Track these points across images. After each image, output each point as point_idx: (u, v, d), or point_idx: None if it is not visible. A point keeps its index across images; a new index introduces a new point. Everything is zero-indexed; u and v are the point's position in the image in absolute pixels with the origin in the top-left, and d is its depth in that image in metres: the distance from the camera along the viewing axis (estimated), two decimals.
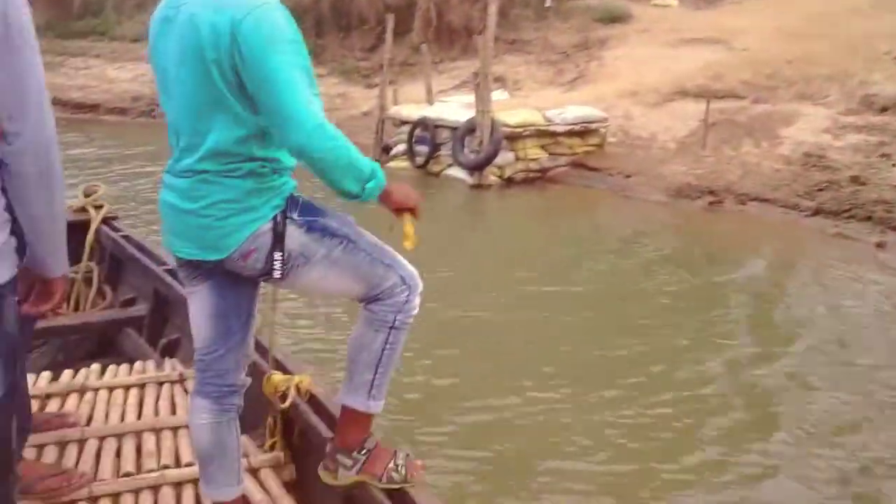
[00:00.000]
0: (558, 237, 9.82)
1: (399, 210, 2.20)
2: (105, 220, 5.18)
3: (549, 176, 12.72)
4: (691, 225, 10.27)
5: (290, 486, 2.77)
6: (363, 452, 2.36)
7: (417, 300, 2.27)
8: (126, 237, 4.97)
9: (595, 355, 5.90)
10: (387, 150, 14.23)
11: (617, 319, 6.78)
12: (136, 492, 2.67)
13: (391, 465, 2.36)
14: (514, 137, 12.37)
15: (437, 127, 13.00)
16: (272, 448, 2.93)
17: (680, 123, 13.24)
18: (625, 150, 12.98)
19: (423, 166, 13.17)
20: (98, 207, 5.25)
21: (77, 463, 2.86)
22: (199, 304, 2.23)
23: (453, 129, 12.74)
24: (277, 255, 2.08)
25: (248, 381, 2.40)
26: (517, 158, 12.54)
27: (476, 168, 12.09)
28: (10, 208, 1.82)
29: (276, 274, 2.10)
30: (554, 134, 12.67)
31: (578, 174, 12.63)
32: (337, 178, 1.98)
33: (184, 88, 2.02)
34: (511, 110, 12.88)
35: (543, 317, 6.69)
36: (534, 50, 18.53)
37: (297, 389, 2.89)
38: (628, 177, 12.05)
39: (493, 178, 12.29)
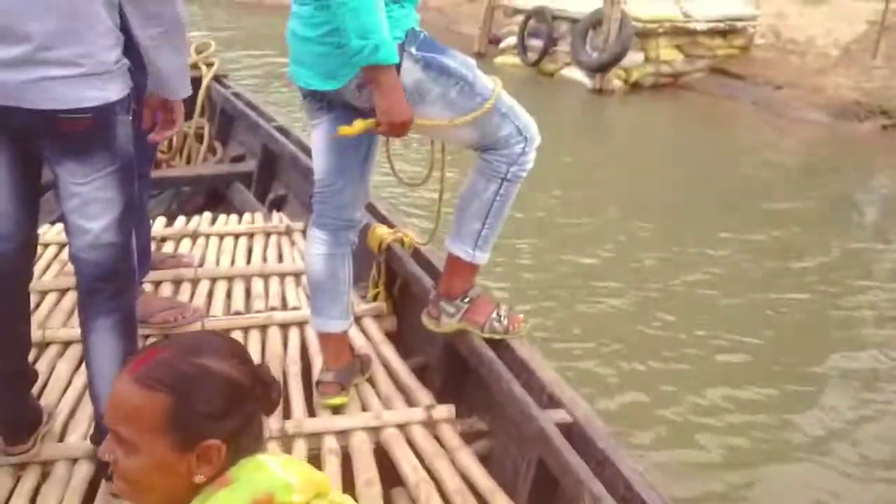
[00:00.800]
0: (690, 162, 7.96)
1: (380, 119, 1.99)
2: (216, 78, 5.25)
3: (683, 82, 10.87)
4: (859, 154, 8.36)
5: (390, 336, 2.82)
6: (466, 301, 2.37)
7: (533, 154, 2.20)
8: (236, 94, 5.04)
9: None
10: (495, 42, 12.64)
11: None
12: (246, 330, 2.78)
13: (493, 315, 2.36)
14: (645, 35, 10.60)
15: (555, 19, 11.34)
16: (375, 299, 2.99)
17: (844, 26, 10.96)
18: (775, 56, 10.95)
19: (535, 64, 11.57)
20: (209, 65, 5.32)
21: (191, 300, 2.99)
22: (320, 137, 2.22)
23: (574, 21, 11.08)
24: None
25: (364, 219, 2.41)
26: (647, 60, 10.77)
27: (599, 70, 10.43)
28: (123, 30, 1.86)
29: None
30: (692, 32, 10.84)
31: (718, 82, 10.71)
32: (345, 21, 1.86)
33: None
34: (642, 2, 10.93)
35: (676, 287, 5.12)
36: None
37: (401, 242, 2.93)
38: (778, 88, 10.06)
39: (616, 83, 10.60)
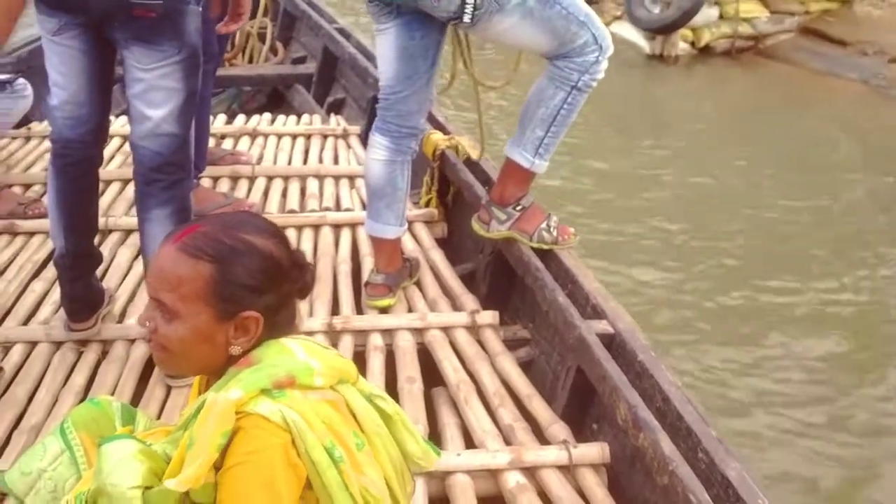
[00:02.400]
0: (786, 170, 5.51)
1: None
2: None
3: (767, 47, 8.11)
4: None
5: (440, 242, 2.85)
6: (518, 208, 2.37)
7: (605, 63, 2.17)
8: None
9: None
10: None
11: None
12: (300, 228, 2.84)
13: (543, 225, 2.36)
14: None
15: None
16: (427, 204, 3.01)
17: None
18: (887, 14, 8.28)
19: None
20: None
21: (248, 196, 3.06)
22: (387, 43, 2.20)
23: None
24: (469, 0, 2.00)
25: (427, 127, 2.40)
26: (721, 17, 8.06)
27: (661, 31, 7.81)
28: None
29: (466, 18, 2.03)
30: None
31: (811, 47, 7.95)
32: None
33: None
34: None
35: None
36: None
37: (456, 150, 2.92)
38: (893, 61, 7.42)
39: (682, 47, 8.00)
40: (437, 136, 2.98)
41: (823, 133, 6.30)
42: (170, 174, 2.00)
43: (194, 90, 1.98)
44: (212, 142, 3.47)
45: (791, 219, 4.79)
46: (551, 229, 2.37)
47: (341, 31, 4.35)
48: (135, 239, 2.65)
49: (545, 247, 2.37)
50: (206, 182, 3.06)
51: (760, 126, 6.37)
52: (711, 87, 7.57)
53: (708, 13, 7.86)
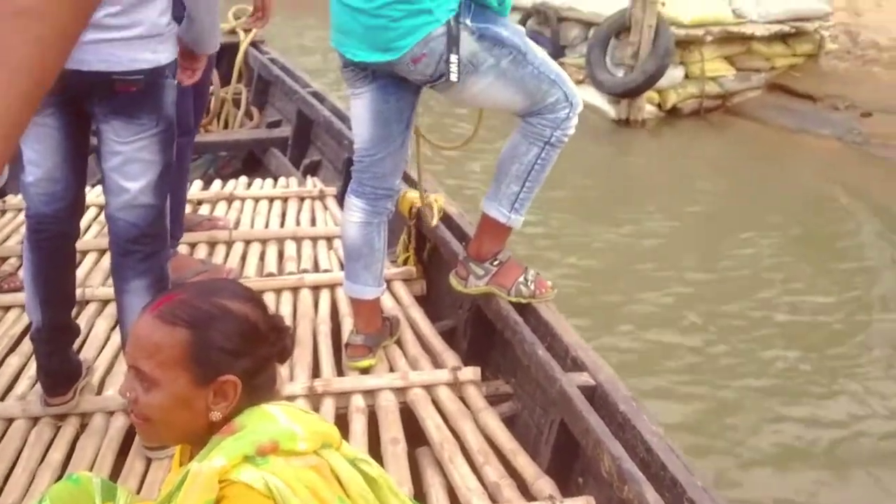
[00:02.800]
0: (755, 228, 5.28)
1: None
2: (253, 44, 5.29)
3: (735, 105, 7.83)
4: None
5: (419, 300, 2.86)
6: (495, 263, 2.38)
7: (576, 119, 2.22)
8: (273, 60, 5.07)
9: None
10: None
11: None
12: (278, 291, 2.84)
13: (521, 279, 2.38)
14: (686, 43, 7.51)
15: (562, 20, 8.21)
16: (405, 262, 3.02)
17: None
18: (853, 67, 8.02)
19: None
20: (247, 30, 5.35)
21: (225, 261, 3.06)
22: (362, 107, 2.24)
23: (588, 25, 8.04)
24: (454, 59, 2.03)
25: (402, 187, 2.43)
26: (688, 76, 7.69)
27: (626, 95, 7.34)
28: None
29: (453, 77, 2.05)
30: (746, 38, 7.80)
31: (780, 104, 7.68)
32: None
33: None
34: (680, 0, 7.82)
35: None
36: None
37: (431, 207, 2.95)
38: (867, 115, 7.12)
39: (648, 110, 7.53)
40: (412, 195, 3.00)
41: (801, 193, 6.07)
42: (147, 245, 2.00)
43: (170, 161, 2.01)
44: (188, 208, 3.48)
45: (769, 277, 4.67)
46: (529, 283, 2.38)
47: (315, 94, 4.42)
48: (112, 309, 2.64)
49: (523, 301, 2.38)
50: (182, 249, 3.06)
51: (734, 188, 6.18)
52: (682, 150, 7.16)
53: (673, 74, 7.48)
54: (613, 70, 7.51)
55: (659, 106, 7.65)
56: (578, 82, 7.31)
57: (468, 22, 2.04)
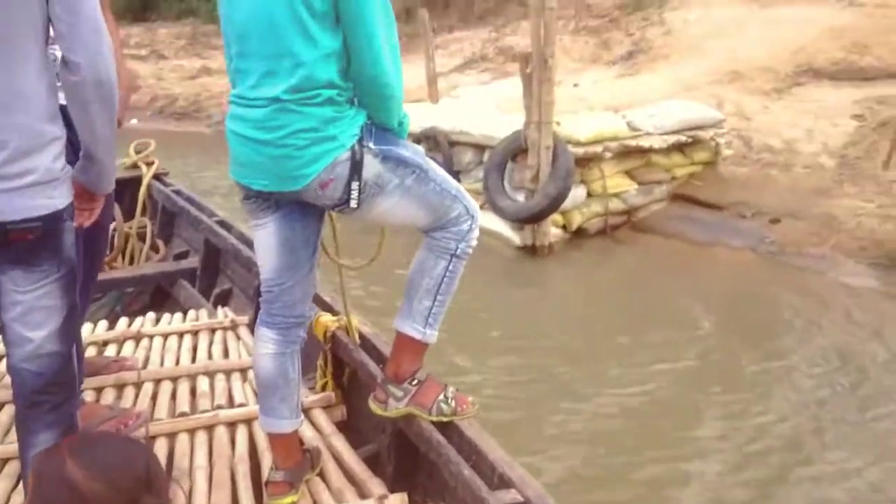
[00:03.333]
0: (672, 355, 5.07)
1: None
2: (156, 176, 5.26)
3: (640, 220, 7.72)
4: None
5: (341, 426, 2.79)
6: (414, 383, 2.35)
7: (477, 231, 2.28)
8: (177, 191, 5.04)
9: None
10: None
11: None
12: (192, 431, 2.72)
13: (441, 397, 2.35)
14: (584, 160, 7.28)
15: (453, 144, 7.83)
16: (323, 389, 2.96)
17: (827, 123, 8.34)
18: (752, 172, 8.02)
19: None
20: (149, 164, 5.34)
21: (134, 404, 2.93)
22: (267, 237, 2.22)
23: (481, 148, 7.71)
24: (354, 185, 2.06)
25: (313, 313, 2.41)
26: (590, 194, 7.49)
27: (531, 220, 7.01)
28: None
29: (353, 203, 2.08)
30: (644, 151, 7.63)
31: (687, 214, 7.59)
32: (388, 110, 2.10)
33: (260, 8, 1.97)
34: (569, 114, 7.78)
35: None
36: (561, 12, 10.66)
37: (347, 330, 2.92)
38: (775, 221, 7.09)
39: (553, 232, 7.22)
40: (326, 318, 2.97)
41: (719, 313, 5.72)
42: (55, 395, 1.91)
43: (74, 303, 1.95)
44: (93, 350, 3.36)
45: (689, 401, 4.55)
46: (449, 400, 2.35)
47: (222, 222, 4.39)
48: (12, 468, 2.47)
49: (445, 419, 2.34)
50: (89, 395, 2.92)
51: (649, 309, 5.85)
52: (592, 273, 6.82)
53: (575, 193, 7.19)
54: (513, 194, 7.26)
55: (564, 227, 7.43)
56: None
57: (371, 145, 2.09)
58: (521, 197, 7.15)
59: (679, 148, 7.97)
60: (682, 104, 8.22)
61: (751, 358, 5.08)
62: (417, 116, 7.67)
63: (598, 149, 7.22)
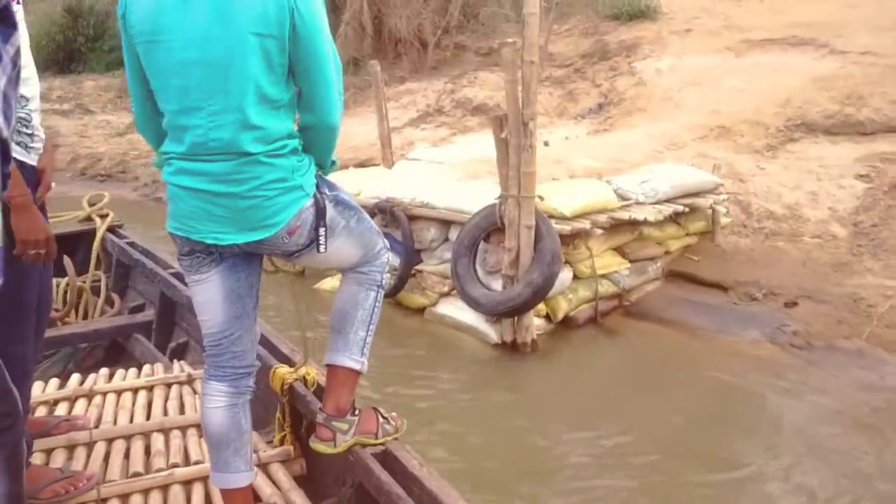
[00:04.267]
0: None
1: None
2: (110, 229, 5.19)
3: (634, 304, 6.36)
4: None
5: (300, 480, 2.73)
6: (356, 414, 2.43)
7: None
8: (132, 244, 4.97)
9: None
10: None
11: None
12: (146, 492, 2.64)
13: (380, 419, 2.46)
14: (570, 238, 5.85)
15: (414, 219, 6.42)
16: (281, 442, 2.89)
17: (831, 184, 7.35)
18: (754, 243, 6.87)
19: (391, 294, 6.29)
20: (103, 216, 5.26)
21: (86, 465, 2.83)
22: (211, 290, 2.21)
23: (449, 224, 6.32)
24: (322, 231, 2.15)
25: (259, 363, 2.40)
26: (577, 277, 6.08)
27: (511, 314, 5.57)
28: None
29: (321, 248, 2.17)
30: (634, 223, 6.29)
31: (685, 297, 6.32)
32: (329, 150, 2.22)
33: (211, 62, 1.93)
34: (548, 182, 6.33)
35: None
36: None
37: (304, 381, 2.87)
38: (792, 305, 5.83)
39: (536, 324, 5.72)
40: (282, 370, 2.92)
41: (735, 431, 4.33)
42: None
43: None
44: (44, 410, 3.27)
45: None
46: (389, 420, 2.48)
47: (177, 274, 4.32)
48: None
49: (390, 438, 2.46)
50: (38, 457, 2.82)
51: (647, 415, 4.55)
52: (581, 373, 5.29)
53: (560, 277, 5.67)
54: (487, 281, 5.82)
55: (548, 317, 5.91)
56: (444, 294, 6.18)
57: (327, 191, 2.20)
58: (496, 284, 5.71)
59: (673, 218, 6.66)
60: (675, 168, 7.06)
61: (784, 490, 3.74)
62: (371, 185, 6.80)
63: (586, 224, 5.78)
